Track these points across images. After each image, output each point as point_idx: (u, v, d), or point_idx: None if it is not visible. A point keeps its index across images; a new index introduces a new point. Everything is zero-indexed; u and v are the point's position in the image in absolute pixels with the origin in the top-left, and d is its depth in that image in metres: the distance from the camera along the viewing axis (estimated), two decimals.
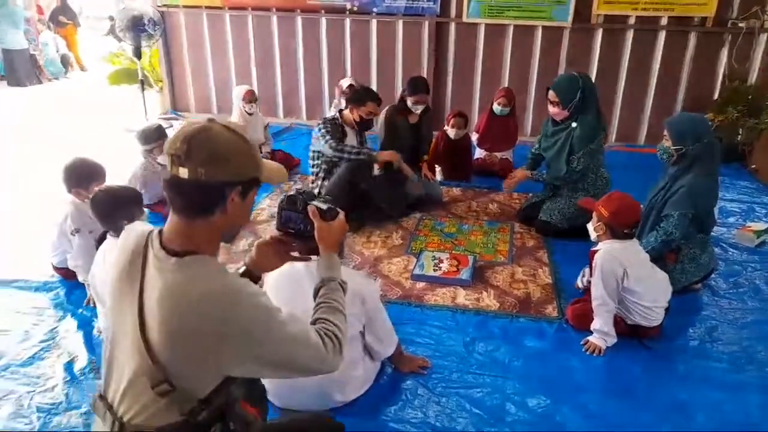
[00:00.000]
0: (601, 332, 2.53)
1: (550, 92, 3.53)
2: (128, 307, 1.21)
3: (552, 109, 3.57)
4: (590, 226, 2.66)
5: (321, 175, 3.83)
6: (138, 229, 1.31)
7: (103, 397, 1.29)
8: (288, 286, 1.89)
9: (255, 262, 1.51)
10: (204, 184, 1.15)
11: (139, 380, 1.18)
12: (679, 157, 2.88)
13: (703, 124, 2.98)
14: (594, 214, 2.62)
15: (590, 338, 2.56)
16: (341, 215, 1.48)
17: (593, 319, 2.56)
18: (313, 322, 1.34)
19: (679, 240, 2.85)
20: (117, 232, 2.36)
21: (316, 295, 1.43)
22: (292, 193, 1.48)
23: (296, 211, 1.45)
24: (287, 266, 1.65)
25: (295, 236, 1.48)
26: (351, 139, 3.84)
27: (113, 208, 2.36)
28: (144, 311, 1.18)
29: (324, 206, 1.45)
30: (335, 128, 3.74)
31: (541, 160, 3.89)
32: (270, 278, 1.87)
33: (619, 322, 2.56)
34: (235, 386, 1.27)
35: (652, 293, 2.54)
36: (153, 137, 3.68)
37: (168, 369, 1.16)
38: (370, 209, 3.80)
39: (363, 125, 3.83)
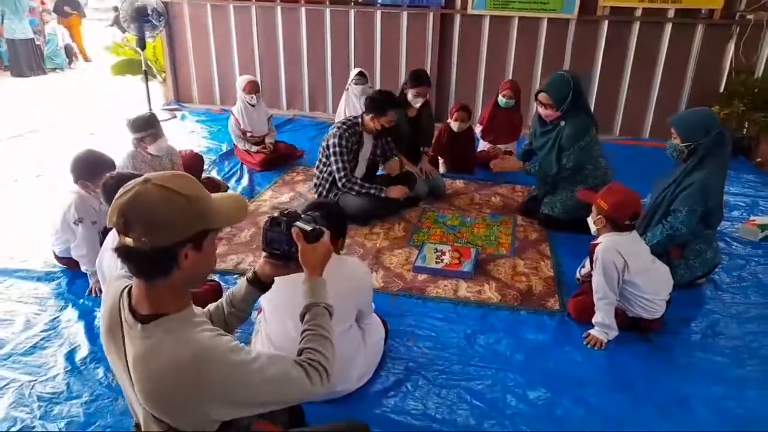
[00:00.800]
0: (603, 325, 2.52)
1: (542, 95, 3.48)
2: (119, 363, 1.26)
3: (544, 111, 3.53)
4: (590, 220, 2.64)
5: (327, 178, 3.73)
6: (114, 286, 1.32)
7: (138, 427, 1.35)
8: (290, 289, 1.87)
9: (263, 269, 1.50)
10: (151, 250, 1.13)
11: (150, 425, 1.24)
12: (690, 152, 2.84)
13: (710, 116, 2.93)
14: (593, 208, 2.61)
15: (592, 331, 2.55)
16: (326, 236, 1.45)
17: (594, 312, 2.55)
18: (299, 352, 1.35)
19: (685, 236, 2.82)
20: None
21: (302, 319, 1.42)
22: (275, 214, 1.45)
23: (280, 232, 1.42)
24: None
25: (280, 258, 1.45)
26: (367, 146, 3.75)
27: None
28: (130, 370, 1.22)
29: (308, 227, 1.41)
30: (352, 136, 3.62)
31: (533, 154, 3.88)
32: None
33: (620, 315, 2.55)
34: (243, 418, 1.29)
35: (653, 285, 2.53)
36: (143, 126, 3.53)
37: (163, 419, 1.20)
38: (379, 210, 3.76)
39: (384, 132, 3.72)
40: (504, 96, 4.67)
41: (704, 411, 2.17)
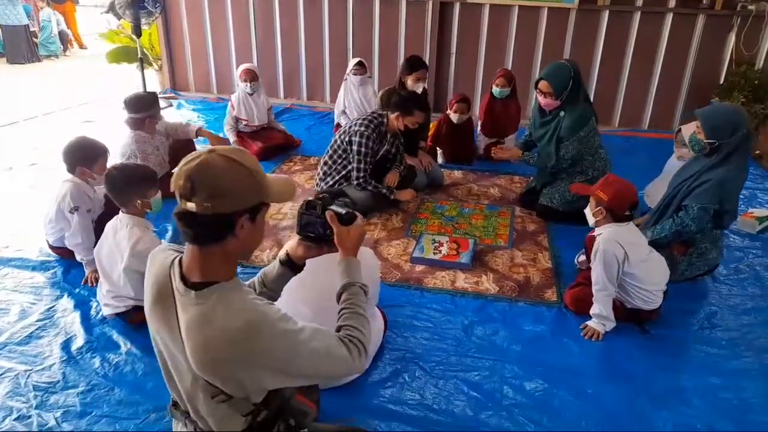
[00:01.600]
0: (600, 317, 2.52)
1: (542, 83, 3.44)
2: (169, 333, 1.29)
3: (544, 100, 3.49)
4: (587, 212, 2.63)
5: (340, 171, 3.67)
6: (160, 257, 1.35)
7: (176, 405, 1.43)
8: (323, 267, 1.87)
9: (296, 251, 1.55)
10: (213, 216, 1.18)
11: (197, 392, 1.30)
12: (712, 149, 2.76)
13: (739, 115, 2.79)
14: (592, 199, 2.59)
15: (589, 323, 2.55)
16: (359, 219, 1.51)
17: (592, 303, 2.54)
18: (338, 329, 1.39)
19: (692, 233, 2.79)
20: (128, 210, 2.41)
21: (338, 299, 1.47)
22: (311, 198, 1.51)
23: (316, 216, 1.47)
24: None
25: (315, 240, 1.51)
26: (386, 144, 3.70)
27: (126, 185, 2.39)
28: (182, 336, 1.25)
29: (342, 211, 1.47)
30: (378, 136, 3.56)
31: (533, 145, 3.86)
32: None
33: (618, 307, 2.55)
34: (287, 388, 1.35)
35: (652, 276, 2.52)
36: (145, 107, 3.47)
37: (215, 384, 1.25)
38: (381, 205, 3.73)
39: (407, 133, 3.67)
40: (497, 85, 4.56)
41: (700, 402, 2.17)
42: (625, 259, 2.44)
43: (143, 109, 3.48)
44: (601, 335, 2.51)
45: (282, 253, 1.56)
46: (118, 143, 3.53)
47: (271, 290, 1.57)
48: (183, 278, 1.26)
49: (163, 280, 1.30)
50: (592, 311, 2.55)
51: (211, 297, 1.22)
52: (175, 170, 1.21)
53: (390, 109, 3.59)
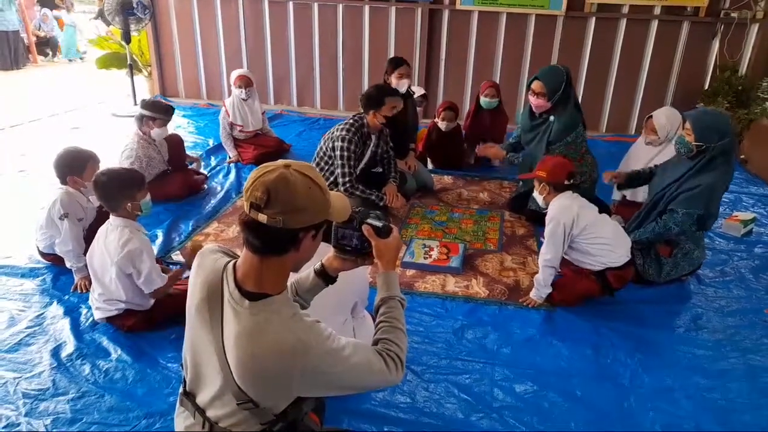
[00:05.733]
0: (540, 285, 2.75)
1: (536, 83, 3.49)
2: (210, 334, 1.29)
3: (536, 101, 3.52)
4: (536, 195, 2.83)
5: (328, 177, 3.65)
6: (210, 259, 1.36)
7: (189, 395, 1.42)
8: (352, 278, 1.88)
9: (331, 263, 1.55)
10: (281, 229, 1.20)
11: (225, 394, 1.30)
12: (698, 152, 2.82)
13: (726, 121, 2.89)
14: (535, 182, 2.81)
15: (531, 294, 2.81)
16: (395, 231, 1.50)
17: (575, 290, 2.74)
18: (375, 342, 1.41)
19: (675, 235, 2.87)
20: (119, 214, 2.43)
21: (376, 312, 1.48)
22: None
23: (353, 229, 1.47)
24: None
25: (351, 253, 1.50)
26: (371, 145, 3.70)
27: (115, 190, 2.40)
28: (224, 342, 1.26)
29: (380, 224, 1.46)
30: (360, 138, 3.56)
31: (519, 149, 3.91)
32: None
33: (588, 276, 2.70)
34: (306, 402, 1.37)
35: (605, 230, 2.68)
36: (161, 110, 3.67)
37: (249, 394, 1.26)
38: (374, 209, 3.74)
39: (392, 121, 3.60)
40: (486, 96, 4.58)
41: (687, 402, 2.21)
42: (573, 224, 2.62)
43: (159, 110, 3.66)
44: (537, 303, 2.78)
45: (317, 264, 1.57)
46: (123, 144, 3.67)
47: (304, 300, 1.59)
48: (237, 286, 1.27)
49: (214, 283, 1.31)
50: (535, 277, 2.78)
51: (265, 309, 1.24)
52: (248, 179, 1.23)
53: (364, 110, 3.59)
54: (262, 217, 1.18)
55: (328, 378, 1.26)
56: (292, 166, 1.23)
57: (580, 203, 2.70)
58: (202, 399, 1.38)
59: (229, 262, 1.34)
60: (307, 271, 1.58)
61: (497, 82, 5.18)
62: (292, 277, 1.59)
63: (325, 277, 1.56)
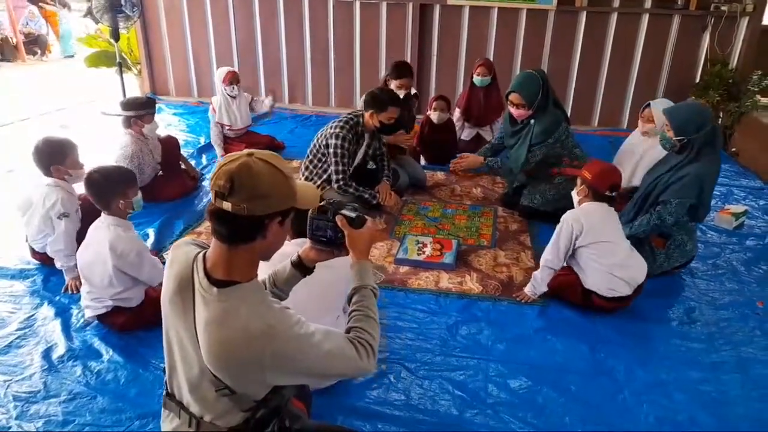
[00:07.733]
0: (536, 282, 2.73)
1: (513, 95, 3.48)
2: (184, 324, 1.31)
3: (516, 111, 3.52)
4: (574, 193, 2.77)
5: (321, 175, 3.65)
6: (182, 251, 1.38)
7: (171, 395, 1.43)
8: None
9: (307, 254, 1.57)
10: (246, 217, 1.22)
11: (202, 384, 1.32)
12: (683, 146, 2.85)
13: (702, 113, 2.90)
14: (578, 180, 2.74)
15: (525, 288, 2.79)
16: (369, 222, 1.53)
17: (571, 290, 2.71)
18: (348, 330, 1.42)
19: (670, 226, 2.87)
20: (111, 212, 2.42)
21: (349, 301, 1.50)
22: (322, 203, 1.52)
23: (327, 220, 1.49)
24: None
25: (325, 244, 1.53)
26: (364, 144, 3.67)
27: (108, 189, 2.39)
28: (196, 330, 1.28)
29: (352, 215, 1.49)
30: (354, 137, 3.54)
31: (500, 150, 3.90)
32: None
33: (574, 286, 2.69)
34: (287, 389, 1.38)
35: (615, 258, 2.59)
36: (144, 105, 3.63)
37: (224, 380, 1.28)
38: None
39: (383, 130, 3.61)
40: (479, 74, 4.58)
41: (681, 395, 2.22)
42: (583, 232, 2.57)
43: (142, 107, 3.61)
44: (530, 298, 2.77)
45: (294, 256, 1.59)
46: (118, 143, 3.63)
47: (281, 291, 1.61)
48: (207, 274, 1.29)
49: (185, 273, 1.32)
50: (534, 273, 2.76)
51: (233, 296, 1.26)
52: (213, 170, 1.25)
53: (364, 107, 3.57)
54: (227, 205, 1.20)
55: (298, 364, 1.27)
56: (255, 155, 1.25)
57: (604, 217, 2.63)
58: (183, 394, 1.38)
59: (199, 252, 1.35)
60: (284, 263, 1.60)
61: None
62: (270, 269, 1.62)
63: (302, 268, 1.58)
